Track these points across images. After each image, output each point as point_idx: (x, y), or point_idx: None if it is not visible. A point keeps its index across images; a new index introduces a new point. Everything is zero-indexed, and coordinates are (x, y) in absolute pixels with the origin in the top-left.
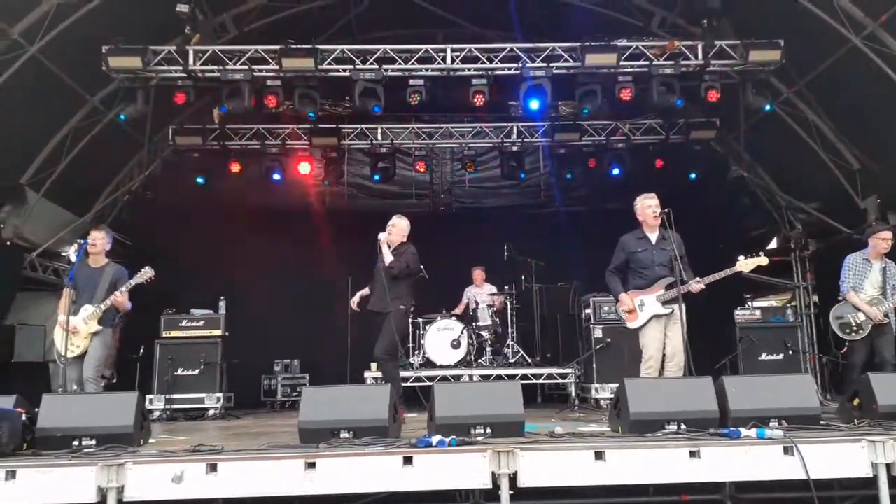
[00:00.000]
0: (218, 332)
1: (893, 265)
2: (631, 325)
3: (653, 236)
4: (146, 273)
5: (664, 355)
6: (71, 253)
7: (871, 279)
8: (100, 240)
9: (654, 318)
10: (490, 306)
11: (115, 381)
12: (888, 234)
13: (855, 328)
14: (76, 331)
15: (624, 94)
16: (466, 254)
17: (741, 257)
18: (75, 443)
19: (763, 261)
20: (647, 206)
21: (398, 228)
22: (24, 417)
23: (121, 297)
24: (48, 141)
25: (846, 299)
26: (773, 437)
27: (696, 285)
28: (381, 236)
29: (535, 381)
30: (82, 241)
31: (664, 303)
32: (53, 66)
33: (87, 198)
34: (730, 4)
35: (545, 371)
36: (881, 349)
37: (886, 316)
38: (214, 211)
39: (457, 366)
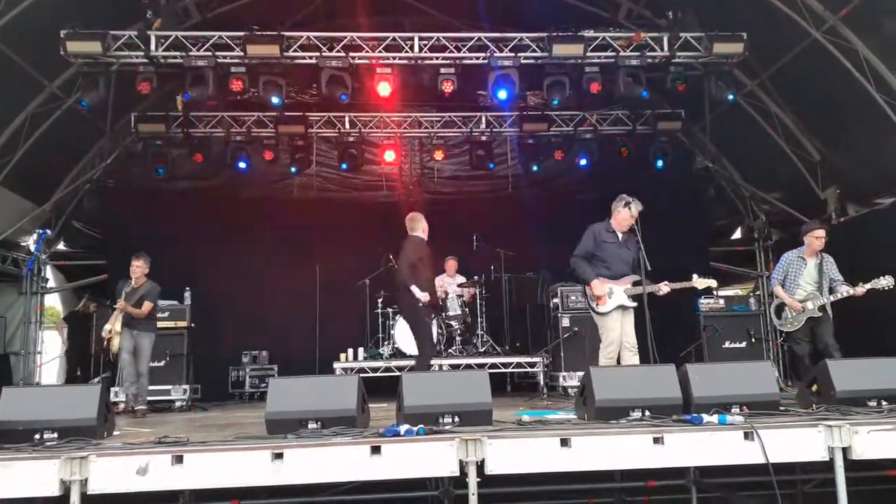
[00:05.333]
0: (183, 323)
1: (830, 260)
2: (600, 308)
3: (620, 234)
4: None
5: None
6: (30, 242)
7: (807, 275)
8: (139, 267)
9: (619, 308)
10: (460, 296)
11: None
12: (822, 233)
13: (791, 320)
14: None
15: (593, 87)
16: (435, 244)
17: (695, 276)
18: (37, 436)
19: (713, 283)
20: (632, 217)
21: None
22: None
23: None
24: (5, 128)
25: (773, 292)
26: (734, 422)
27: (665, 287)
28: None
29: (504, 370)
30: (41, 231)
31: (630, 296)
32: (9, 51)
33: (47, 186)
34: None
35: (514, 360)
36: (823, 337)
37: (822, 309)
38: (178, 199)
39: None
